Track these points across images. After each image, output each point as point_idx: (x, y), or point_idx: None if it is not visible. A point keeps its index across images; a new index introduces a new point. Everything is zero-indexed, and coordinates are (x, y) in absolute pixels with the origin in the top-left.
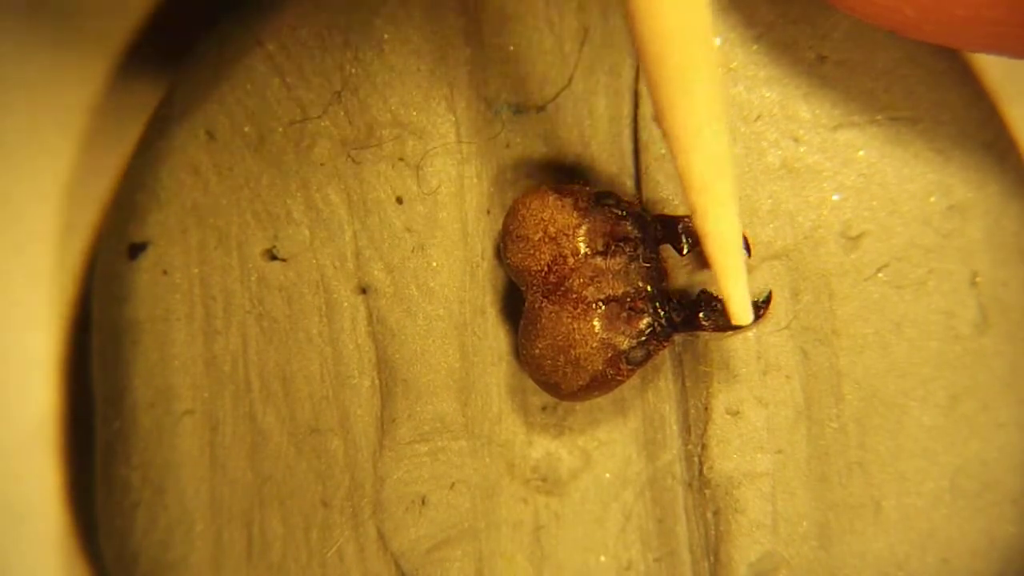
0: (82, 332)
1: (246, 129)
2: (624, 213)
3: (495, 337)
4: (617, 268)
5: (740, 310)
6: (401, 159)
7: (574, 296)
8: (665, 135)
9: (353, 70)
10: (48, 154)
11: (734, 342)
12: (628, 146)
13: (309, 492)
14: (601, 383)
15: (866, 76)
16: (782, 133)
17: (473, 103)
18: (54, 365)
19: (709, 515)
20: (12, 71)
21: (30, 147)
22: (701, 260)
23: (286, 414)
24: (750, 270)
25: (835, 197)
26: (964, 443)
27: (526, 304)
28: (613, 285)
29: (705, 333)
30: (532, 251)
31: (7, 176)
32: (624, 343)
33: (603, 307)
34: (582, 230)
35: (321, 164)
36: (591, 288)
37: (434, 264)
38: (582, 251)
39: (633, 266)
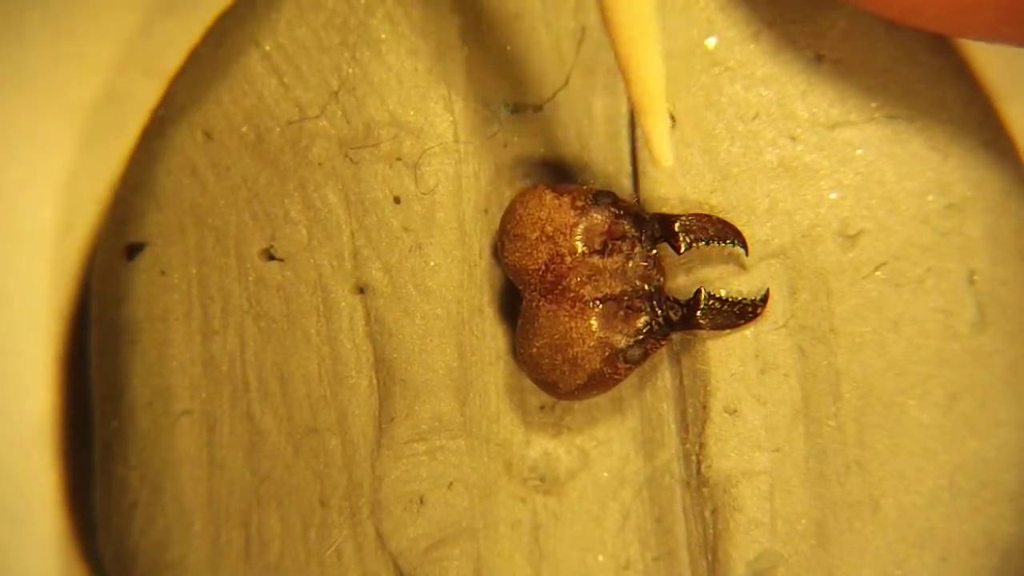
0: (80, 332)
1: (244, 129)
2: (622, 212)
3: (493, 336)
4: (615, 267)
5: (660, 150)
6: (399, 159)
7: (571, 295)
8: None
9: (350, 70)
10: (45, 155)
11: (732, 340)
12: (626, 145)
13: (307, 491)
14: (599, 382)
15: (864, 74)
16: (780, 132)
17: (471, 103)
18: (52, 365)
19: (707, 514)
20: (10, 71)
21: (28, 148)
22: (699, 259)
23: (284, 414)
24: (748, 268)
25: (833, 195)
26: (962, 442)
27: (523, 303)
28: (611, 284)
29: (703, 332)
30: (530, 250)
31: (5, 177)
32: (622, 342)
33: (600, 306)
34: (579, 229)
35: (319, 164)
36: (588, 287)
37: (432, 263)
38: (579, 250)
39: (631, 265)
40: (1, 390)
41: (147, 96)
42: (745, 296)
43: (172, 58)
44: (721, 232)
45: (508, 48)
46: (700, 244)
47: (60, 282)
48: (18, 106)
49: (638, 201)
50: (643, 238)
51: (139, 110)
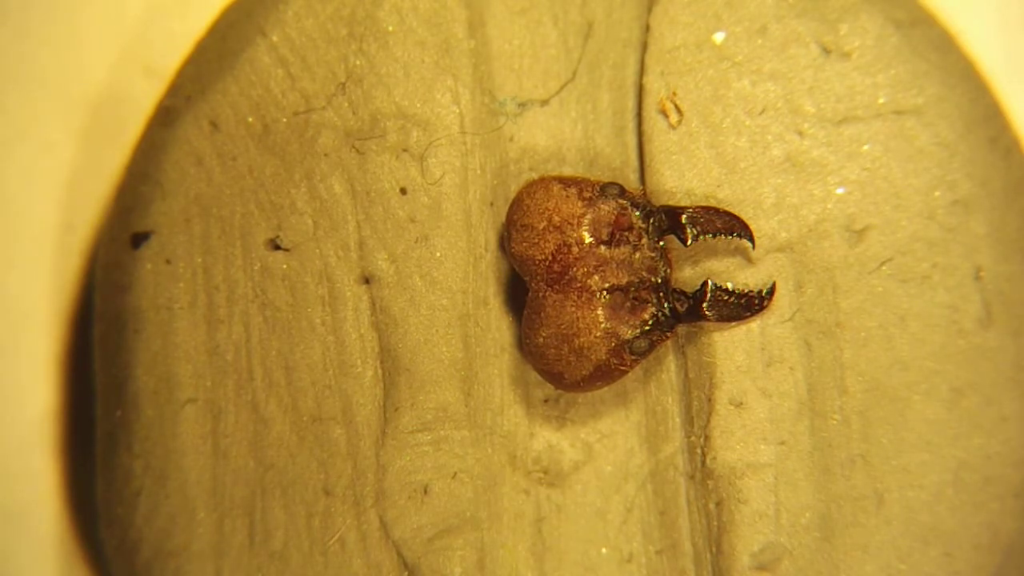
0: (82, 330)
1: (250, 119)
2: (629, 203)
3: (498, 328)
4: (621, 258)
5: None
6: (405, 150)
7: (578, 285)
8: None
9: (357, 61)
10: (46, 154)
11: (738, 333)
12: (632, 140)
13: (311, 480)
14: (604, 373)
15: (871, 70)
16: (786, 127)
17: (477, 95)
18: (54, 362)
19: (712, 506)
20: (10, 70)
21: (28, 147)
22: (706, 251)
23: (288, 403)
24: (754, 262)
25: (839, 191)
26: (967, 437)
27: (530, 293)
28: (617, 275)
29: (709, 324)
30: (537, 240)
31: (5, 177)
32: (628, 332)
33: (607, 296)
34: (587, 219)
35: (325, 154)
36: (595, 277)
37: (438, 254)
38: (587, 240)
39: (637, 256)
40: (1, 390)
41: (147, 95)
42: (751, 289)
43: (173, 57)
44: (728, 225)
45: (515, 42)
46: (707, 237)
47: (62, 281)
48: (18, 105)
49: (645, 194)
50: (650, 229)
51: (139, 109)
